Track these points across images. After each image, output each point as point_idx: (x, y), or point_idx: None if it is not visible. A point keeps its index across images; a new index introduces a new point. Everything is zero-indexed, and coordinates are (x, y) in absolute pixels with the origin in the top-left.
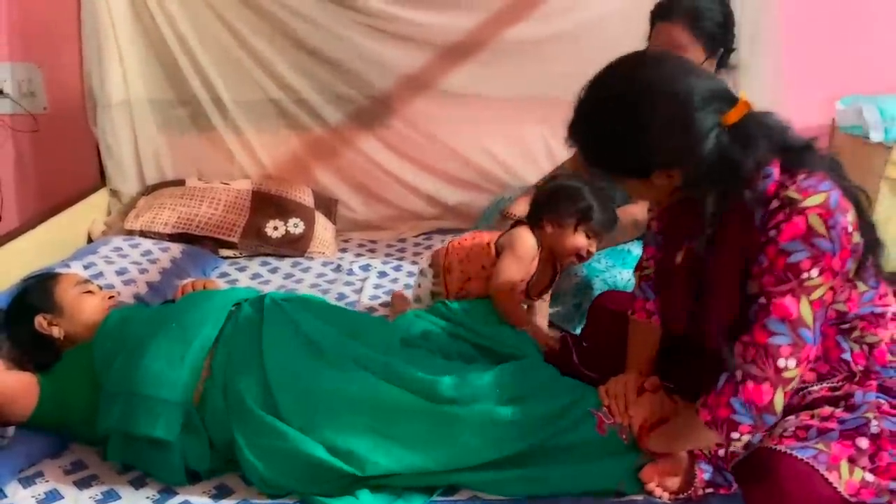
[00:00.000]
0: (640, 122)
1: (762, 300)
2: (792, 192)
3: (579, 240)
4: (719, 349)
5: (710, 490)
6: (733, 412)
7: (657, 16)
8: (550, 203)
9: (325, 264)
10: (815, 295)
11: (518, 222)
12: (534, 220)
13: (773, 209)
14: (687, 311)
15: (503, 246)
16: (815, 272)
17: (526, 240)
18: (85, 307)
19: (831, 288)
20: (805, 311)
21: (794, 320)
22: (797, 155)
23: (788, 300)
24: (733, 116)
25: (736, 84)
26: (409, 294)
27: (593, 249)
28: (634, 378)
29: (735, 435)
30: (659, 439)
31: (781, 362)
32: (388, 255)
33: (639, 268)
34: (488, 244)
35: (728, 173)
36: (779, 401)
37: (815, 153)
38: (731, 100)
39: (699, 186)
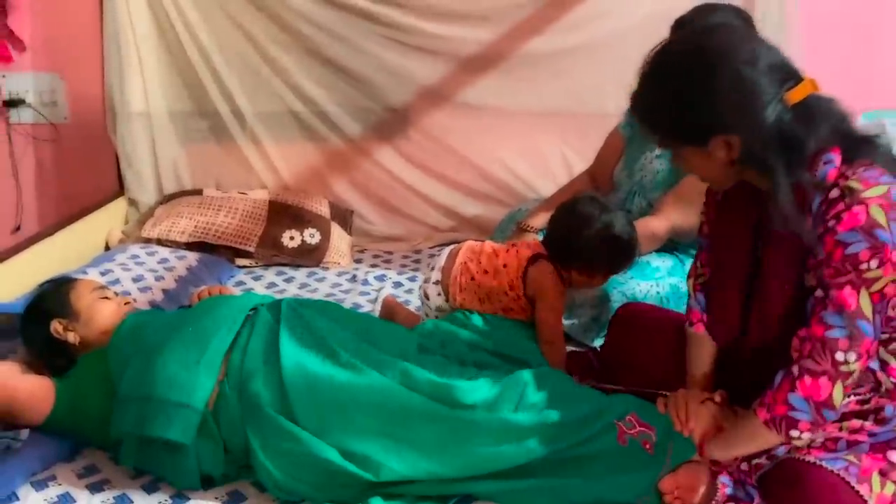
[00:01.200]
0: (703, 81)
1: (819, 293)
2: (853, 182)
3: (603, 281)
4: (773, 348)
5: None
6: (791, 409)
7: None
8: (585, 253)
9: (340, 274)
10: (875, 287)
11: (539, 256)
12: (560, 262)
13: (832, 198)
14: (739, 311)
15: (533, 294)
16: (874, 263)
17: (555, 288)
18: (101, 313)
19: (893, 281)
20: (864, 302)
21: (852, 312)
22: (858, 145)
23: (847, 291)
24: (798, 94)
25: None
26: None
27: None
28: (698, 393)
29: (794, 433)
30: (719, 446)
31: (840, 356)
32: (403, 266)
33: (692, 275)
34: (510, 287)
35: (789, 149)
36: (838, 395)
37: (876, 146)
38: (796, 76)
39: (759, 158)
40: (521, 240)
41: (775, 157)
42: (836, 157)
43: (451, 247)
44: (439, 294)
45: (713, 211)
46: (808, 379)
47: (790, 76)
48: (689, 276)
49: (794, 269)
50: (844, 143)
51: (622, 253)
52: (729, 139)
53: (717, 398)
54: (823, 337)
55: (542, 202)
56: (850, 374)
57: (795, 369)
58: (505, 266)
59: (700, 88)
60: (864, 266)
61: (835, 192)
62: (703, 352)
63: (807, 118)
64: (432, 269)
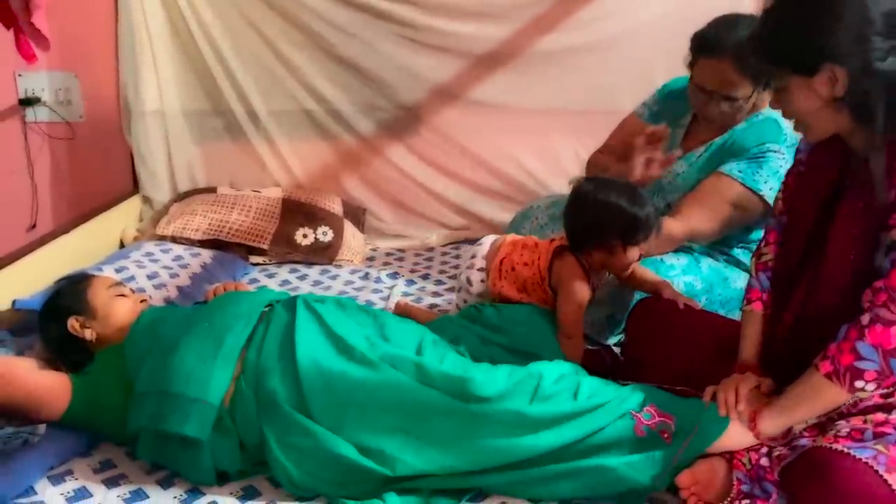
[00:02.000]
0: (831, 5)
1: None
2: None
3: (631, 255)
4: (811, 330)
5: (746, 501)
6: (858, 358)
7: (700, 50)
8: (591, 230)
9: (353, 272)
10: None
11: (563, 248)
12: (579, 250)
13: None
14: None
15: (557, 283)
16: None
17: (573, 279)
18: (117, 310)
19: None
20: None
21: None
22: None
23: None
24: None
25: None
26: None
27: (643, 251)
28: (749, 378)
29: (859, 383)
30: (773, 413)
31: None
32: (415, 263)
33: (757, 254)
34: (541, 278)
35: (893, 99)
36: None
37: None
38: None
39: (861, 101)
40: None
41: (878, 101)
42: None
43: (495, 237)
44: (483, 280)
45: (793, 183)
46: (879, 327)
47: None
48: (753, 255)
49: (856, 250)
50: None
51: (629, 217)
52: (836, 71)
53: (764, 387)
54: None
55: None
56: None
57: (865, 318)
58: (540, 258)
59: (825, 10)
60: None
61: None
62: (756, 330)
63: None
64: (474, 256)
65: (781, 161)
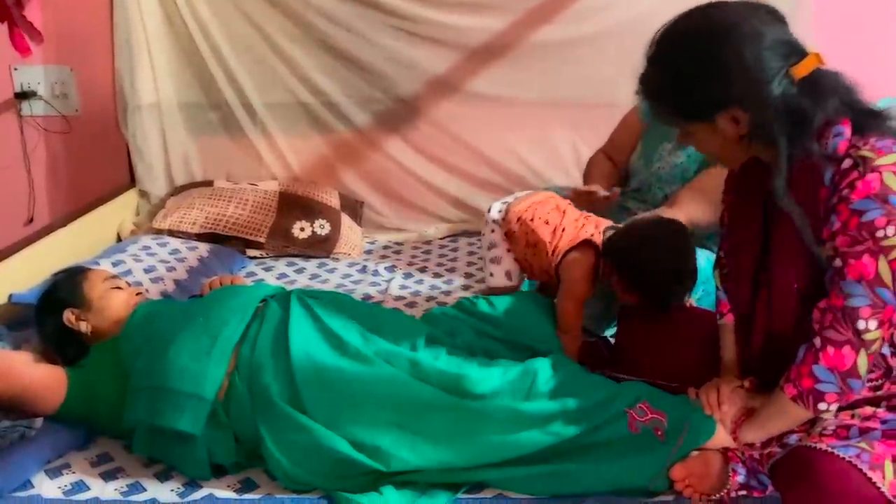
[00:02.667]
0: (707, 57)
1: (837, 263)
2: (865, 151)
3: (630, 299)
4: (780, 330)
5: (742, 493)
6: (817, 381)
7: None
8: (635, 274)
9: (350, 265)
10: (894, 255)
11: (590, 242)
12: (612, 263)
13: (845, 168)
14: (750, 292)
15: (563, 273)
16: (890, 230)
17: (582, 279)
18: (113, 303)
19: None
20: (883, 270)
21: (871, 280)
22: (867, 117)
23: (866, 259)
24: (803, 69)
25: None
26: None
27: None
28: (730, 380)
29: (822, 405)
30: (751, 427)
31: (861, 324)
32: (413, 256)
33: (717, 266)
34: (553, 251)
35: (797, 123)
36: (862, 364)
37: (885, 117)
38: (801, 52)
39: (766, 133)
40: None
41: (781, 131)
42: (846, 129)
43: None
44: (500, 211)
45: (730, 196)
46: (830, 349)
47: (795, 51)
48: (714, 268)
49: (802, 249)
50: (853, 115)
51: (669, 293)
52: (735, 114)
53: (748, 384)
54: (844, 306)
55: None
56: (873, 342)
57: (818, 341)
58: (563, 230)
59: (705, 64)
60: (880, 233)
61: (847, 163)
62: (732, 341)
63: (813, 92)
64: (517, 197)
65: None
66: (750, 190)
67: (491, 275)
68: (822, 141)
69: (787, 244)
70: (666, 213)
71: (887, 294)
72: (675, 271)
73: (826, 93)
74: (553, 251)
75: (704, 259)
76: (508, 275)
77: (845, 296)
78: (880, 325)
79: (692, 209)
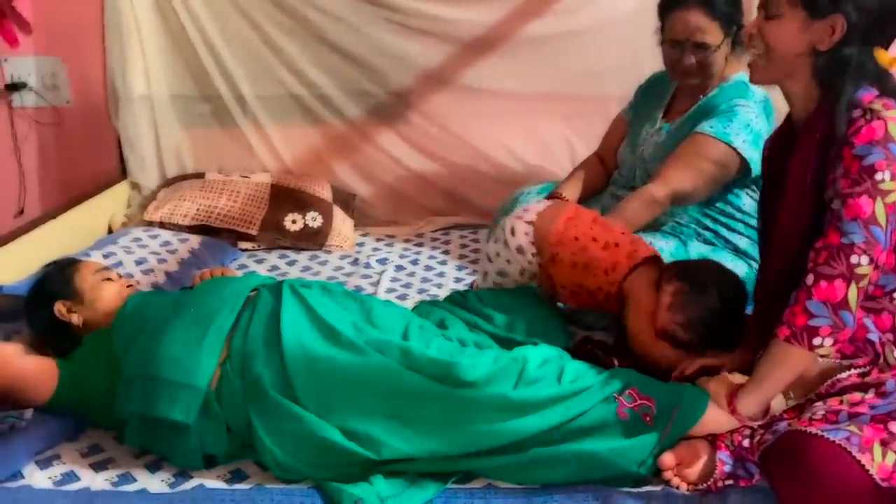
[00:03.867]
0: None
1: (836, 204)
2: (876, 104)
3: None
4: (788, 262)
5: (730, 482)
6: (811, 317)
7: (669, 6)
8: (684, 315)
9: (342, 258)
10: (891, 199)
11: (656, 259)
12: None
13: (855, 117)
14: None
15: (627, 294)
16: (887, 175)
17: (648, 299)
18: (104, 294)
19: None
20: (879, 210)
21: (867, 218)
22: (892, 92)
23: (863, 200)
24: (884, 57)
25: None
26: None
27: None
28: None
29: (817, 340)
30: (747, 394)
31: (854, 258)
32: (405, 249)
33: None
34: (612, 268)
35: (858, 67)
36: (853, 296)
37: None
38: (889, 41)
39: (841, 59)
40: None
41: (847, 70)
42: (874, 90)
43: (544, 197)
44: (527, 234)
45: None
46: (823, 283)
47: (890, 37)
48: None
49: (812, 180)
50: (881, 88)
51: (707, 338)
52: (838, 25)
53: (730, 364)
54: (840, 244)
55: (568, 176)
56: (864, 276)
57: (810, 278)
58: (617, 245)
59: None
60: (878, 176)
61: (857, 112)
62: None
63: (878, 69)
64: (526, 209)
65: (751, 115)
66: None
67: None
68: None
69: (797, 183)
70: (649, 187)
71: (880, 234)
72: (724, 326)
73: (885, 74)
74: (612, 268)
75: (695, 252)
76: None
77: (842, 233)
78: (871, 261)
79: (675, 180)
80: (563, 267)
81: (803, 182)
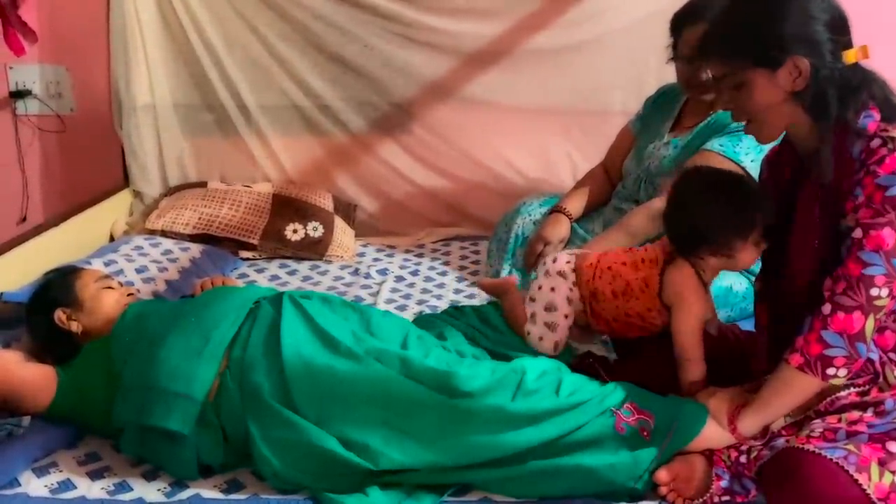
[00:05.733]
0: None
1: (857, 234)
2: (895, 133)
3: (752, 253)
4: (802, 293)
5: (726, 498)
6: (826, 347)
7: (682, 22)
8: (708, 234)
9: (343, 268)
10: None
11: (675, 255)
12: (693, 253)
13: (874, 147)
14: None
15: (672, 297)
16: None
17: (697, 292)
18: (104, 302)
19: None
20: None
21: (889, 251)
22: (894, 110)
23: (886, 232)
24: (853, 56)
25: None
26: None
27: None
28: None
29: (831, 371)
30: (750, 415)
31: (875, 291)
32: (405, 260)
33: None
34: (646, 283)
35: (845, 94)
36: (870, 328)
37: None
38: (849, 39)
39: (821, 91)
40: (558, 223)
41: (833, 95)
42: (875, 113)
43: (548, 211)
44: (568, 262)
45: (767, 178)
46: (841, 314)
47: (848, 35)
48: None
49: (819, 239)
50: (883, 106)
51: (743, 220)
52: (799, 64)
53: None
54: (860, 275)
55: (572, 189)
56: (881, 308)
57: (827, 308)
58: (643, 261)
59: (790, 2)
60: None
61: (876, 142)
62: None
63: (861, 72)
64: (567, 251)
65: None
66: (780, 161)
67: (540, 339)
68: (855, 118)
69: (809, 211)
70: (654, 202)
71: None
72: (736, 193)
73: (868, 79)
74: (647, 283)
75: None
76: (556, 346)
77: (863, 264)
78: (890, 294)
79: None
80: (606, 300)
81: (812, 214)
